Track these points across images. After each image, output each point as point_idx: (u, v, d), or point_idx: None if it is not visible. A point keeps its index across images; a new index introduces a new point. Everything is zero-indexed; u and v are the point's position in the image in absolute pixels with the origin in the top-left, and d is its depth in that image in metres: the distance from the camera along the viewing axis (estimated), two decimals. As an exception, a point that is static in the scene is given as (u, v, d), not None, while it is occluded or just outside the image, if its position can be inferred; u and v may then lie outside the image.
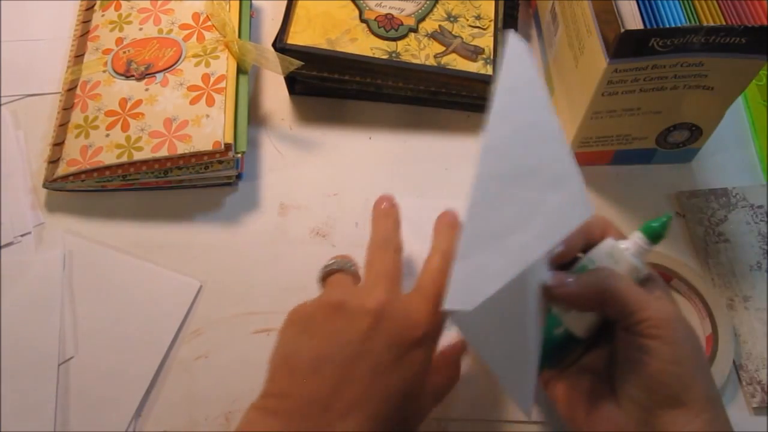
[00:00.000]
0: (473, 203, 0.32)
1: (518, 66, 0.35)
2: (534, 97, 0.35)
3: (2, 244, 0.52)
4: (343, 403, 0.34)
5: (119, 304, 0.50)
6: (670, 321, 0.36)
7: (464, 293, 0.31)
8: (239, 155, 0.53)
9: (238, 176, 0.55)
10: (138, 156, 0.51)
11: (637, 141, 0.53)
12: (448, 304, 0.31)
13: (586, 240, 0.40)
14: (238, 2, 0.60)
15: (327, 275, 0.43)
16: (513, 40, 0.36)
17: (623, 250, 0.38)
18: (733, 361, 0.47)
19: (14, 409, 0.45)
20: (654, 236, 0.38)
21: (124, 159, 0.51)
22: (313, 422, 0.34)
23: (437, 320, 0.38)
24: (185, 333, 0.49)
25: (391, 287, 0.38)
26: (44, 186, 0.53)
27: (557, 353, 0.40)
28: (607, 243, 0.39)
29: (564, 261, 0.40)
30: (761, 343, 0.48)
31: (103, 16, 0.59)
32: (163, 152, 0.51)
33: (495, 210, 0.32)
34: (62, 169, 0.52)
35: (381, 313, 0.36)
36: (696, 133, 0.52)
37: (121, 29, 0.58)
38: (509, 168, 0.33)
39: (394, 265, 0.40)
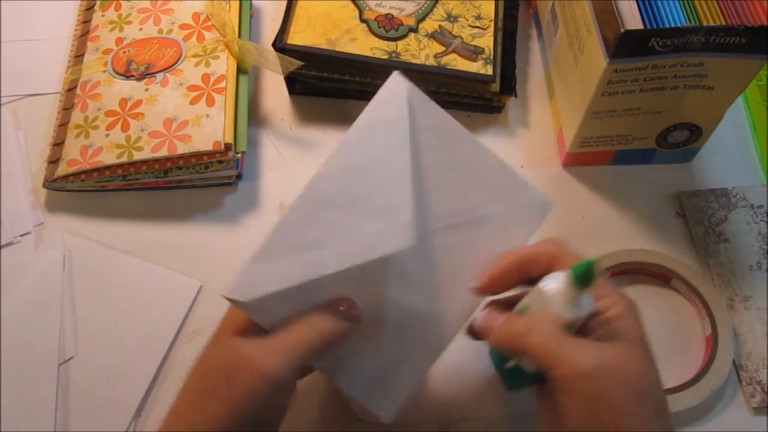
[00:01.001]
0: (285, 218, 0.37)
1: (386, 105, 0.39)
2: (392, 135, 0.38)
3: (2, 244, 0.52)
4: None
5: (119, 304, 0.50)
6: (588, 376, 0.33)
7: (245, 286, 0.35)
8: (239, 155, 0.53)
9: (238, 176, 0.55)
10: (138, 156, 0.51)
11: (637, 141, 0.53)
12: (230, 293, 0.35)
13: (526, 271, 0.39)
14: (238, 2, 0.60)
15: None
16: (393, 79, 0.39)
17: (549, 297, 0.36)
18: (733, 361, 0.47)
19: (14, 409, 0.45)
20: (580, 280, 0.34)
21: (124, 159, 0.51)
22: None
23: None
24: (185, 333, 0.49)
25: None
26: (44, 186, 0.53)
27: (514, 382, 0.39)
28: (537, 288, 0.37)
29: (496, 292, 0.40)
30: (761, 343, 0.48)
31: (103, 16, 0.59)
32: (163, 152, 0.51)
33: (303, 227, 0.36)
34: (62, 169, 0.52)
35: None
36: (696, 133, 0.52)
37: (121, 29, 0.58)
38: (333, 194, 0.37)
39: None
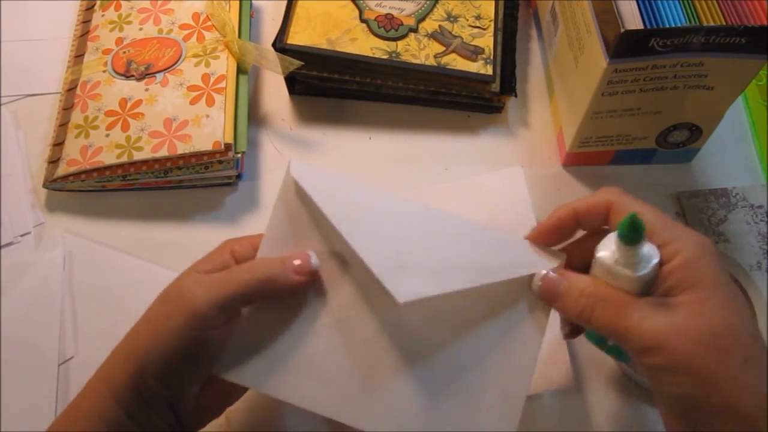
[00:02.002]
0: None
1: (294, 202, 0.40)
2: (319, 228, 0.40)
3: (2, 244, 0.52)
4: None
5: (119, 304, 0.50)
6: (657, 346, 0.31)
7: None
8: (239, 155, 0.53)
9: (238, 176, 0.55)
10: (138, 156, 0.51)
11: (637, 141, 0.53)
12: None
13: (585, 223, 0.37)
14: (238, 2, 0.60)
15: None
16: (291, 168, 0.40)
17: (608, 266, 0.34)
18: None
19: (14, 409, 0.45)
20: (627, 239, 0.33)
21: (124, 159, 0.51)
22: None
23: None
24: (185, 333, 0.49)
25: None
26: (44, 186, 0.53)
27: (622, 355, 0.39)
28: (595, 259, 0.35)
29: (551, 244, 0.38)
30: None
31: (103, 16, 0.59)
32: (163, 152, 0.51)
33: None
34: (62, 169, 0.52)
35: None
36: (696, 133, 0.52)
37: (121, 29, 0.58)
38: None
39: None
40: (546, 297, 0.37)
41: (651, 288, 0.33)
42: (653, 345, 0.31)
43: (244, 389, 0.40)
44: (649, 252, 0.33)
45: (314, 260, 0.38)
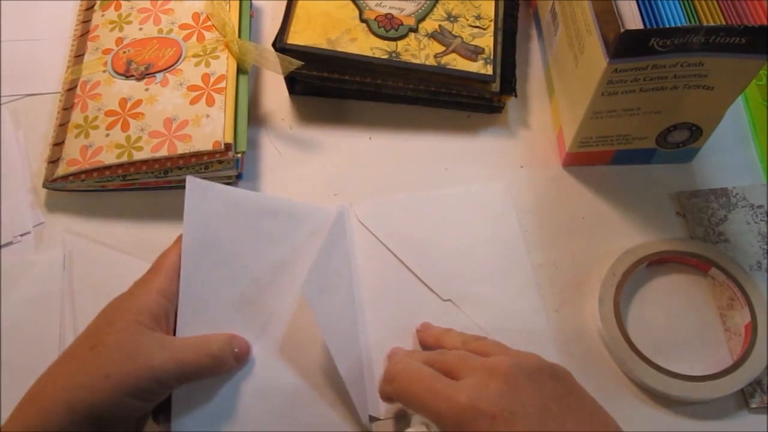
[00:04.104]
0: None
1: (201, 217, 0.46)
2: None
3: (2, 243, 0.52)
4: None
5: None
6: None
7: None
8: (239, 155, 0.53)
9: (238, 176, 0.55)
10: (138, 156, 0.51)
11: (637, 141, 0.53)
12: None
13: None
14: (238, 2, 0.60)
15: None
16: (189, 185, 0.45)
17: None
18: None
19: (14, 409, 0.45)
20: None
21: (124, 159, 0.51)
22: None
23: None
24: (185, 333, 0.49)
25: None
26: (44, 186, 0.53)
27: None
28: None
29: None
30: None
31: (103, 16, 0.59)
32: (163, 152, 0.51)
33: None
34: (62, 169, 0.52)
35: None
36: (696, 133, 0.52)
37: (121, 29, 0.58)
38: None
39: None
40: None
41: None
42: None
43: None
44: None
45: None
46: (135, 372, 0.37)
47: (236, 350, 0.42)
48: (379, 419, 0.44)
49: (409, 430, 0.43)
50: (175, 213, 0.54)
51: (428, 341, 0.46)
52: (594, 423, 0.37)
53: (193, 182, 0.45)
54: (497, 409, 0.35)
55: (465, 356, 0.40)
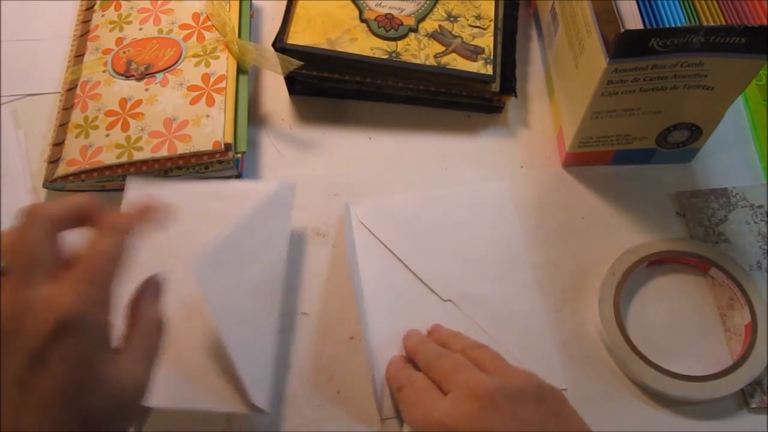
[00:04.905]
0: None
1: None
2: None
3: (2, 244, 0.52)
4: None
5: (119, 303, 0.49)
6: None
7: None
8: (239, 155, 0.53)
9: (238, 176, 0.55)
10: (138, 156, 0.51)
11: (637, 141, 0.53)
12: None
13: None
14: (238, 2, 0.60)
15: None
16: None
17: None
18: (734, 361, 0.47)
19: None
20: None
21: (124, 159, 0.51)
22: None
23: (83, 300, 0.32)
24: (185, 333, 0.49)
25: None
26: (44, 186, 0.53)
27: None
28: None
29: None
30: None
31: (103, 16, 0.59)
32: (163, 152, 0.51)
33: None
34: (62, 169, 0.52)
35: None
36: (696, 133, 0.52)
37: (121, 29, 0.58)
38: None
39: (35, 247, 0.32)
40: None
41: None
42: None
43: None
44: None
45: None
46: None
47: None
48: (391, 418, 0.45)
49: (405, 429, 0.43)
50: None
51: (436, 342, 0.46)
52: None
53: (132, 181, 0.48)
54: (464, 430, 0.36)
55: (459, 367, 0.40)
